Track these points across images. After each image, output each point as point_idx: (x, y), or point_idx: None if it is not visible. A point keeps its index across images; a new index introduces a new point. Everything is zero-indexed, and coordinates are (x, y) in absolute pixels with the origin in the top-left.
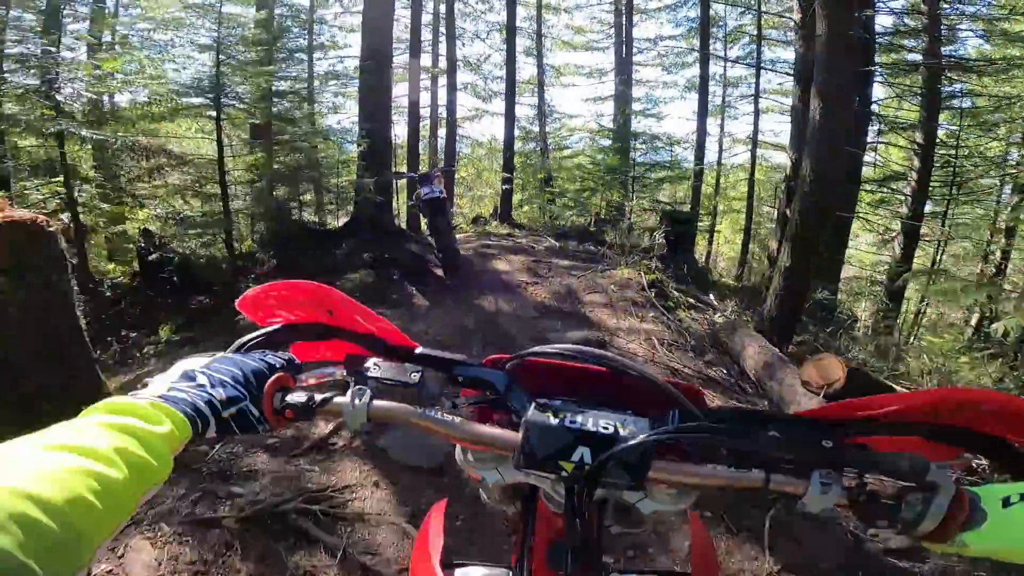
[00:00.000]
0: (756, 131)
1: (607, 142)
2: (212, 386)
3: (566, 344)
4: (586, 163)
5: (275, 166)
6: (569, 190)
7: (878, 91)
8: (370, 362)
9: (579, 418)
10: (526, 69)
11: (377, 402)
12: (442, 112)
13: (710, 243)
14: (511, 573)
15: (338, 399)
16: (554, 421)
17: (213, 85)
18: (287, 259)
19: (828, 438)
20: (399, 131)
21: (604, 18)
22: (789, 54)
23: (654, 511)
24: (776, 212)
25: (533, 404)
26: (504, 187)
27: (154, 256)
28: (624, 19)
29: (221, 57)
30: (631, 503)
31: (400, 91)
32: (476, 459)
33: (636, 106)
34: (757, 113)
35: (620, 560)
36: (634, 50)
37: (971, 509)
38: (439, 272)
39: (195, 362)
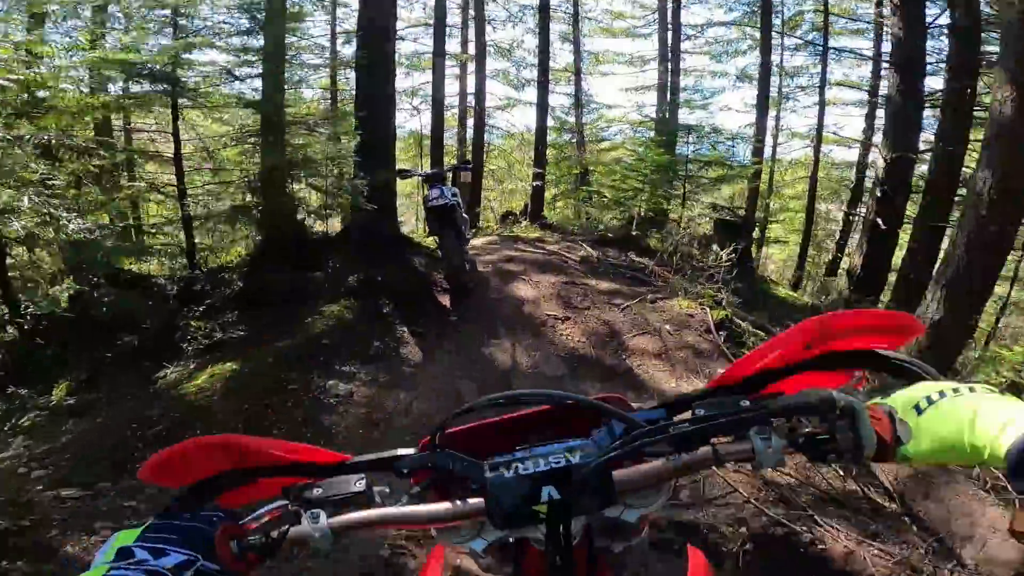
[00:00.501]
0: (821, 125)
1: (651, 134)
2: (156, 557)
3: (479, 399)
4: (628, 158)
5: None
6: (606, 185)
7: None
8: (311, 486)
9: (530, 463)
10: (561, 56)
11: (335, 518)
12: (471, 101)
13: (760, 247)
14: None
15: (296, 528)
16: (509, 474)
17: (169, 66)
18: (254, 283)
19: (742, 399)
20: (424, 120)
21: (647, 2)
22: (859, 42)
23: (639, 517)
24: (843, 212)
25: (486, 467)
26: (535, 184)
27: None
28: (670, 3)
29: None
30: (616, 517)
31: (424, 78)
32: (458, 535)
33: (684, 96)
34: (823, 105)
35: None
36: (682, 36)
37: (891, 423)
38: (445, 299)
39: (127, 536)
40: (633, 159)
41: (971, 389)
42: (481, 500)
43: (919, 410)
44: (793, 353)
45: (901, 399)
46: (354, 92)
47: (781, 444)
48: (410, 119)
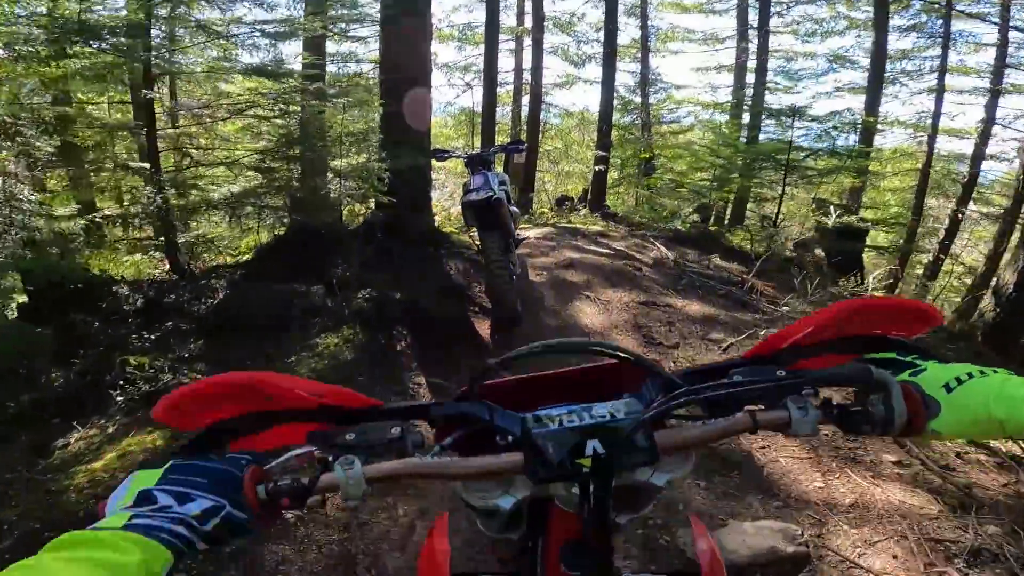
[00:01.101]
0: (938, 113)
1: (725, 118)
2: (180, 503)
3: (519, 348)
4: (699, 142)
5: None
6: (678, 172)
7: None
8: (341, 432)
9: (575, 417)
10: (626, 32)
11: (370, 466)
12: (526, 77)
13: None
14: None
15: (328, 475)
16: (554, 426)
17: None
18: (237, 298)
19: (778, 369)
20: (476, 97)
21: None
22: (975, 26)
23: (667, 481)
24: (951, 210)
25: (526, 419)
26: (597, 168)
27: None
28: None
29: None
30: (644, 480)
31: (477, 52)
32: (483, 491)
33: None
34: (941, 91)
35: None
36: (771, 12)
37: (923, 400)
38: (484, 327)
39: (147, 478)
40: (713, 143)
41: (994, 371)
42: (518, 455)
43: (949, 388)
44: (824, 332)
45: (930, 378)
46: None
47: (817, 414)
48: (461, 95)
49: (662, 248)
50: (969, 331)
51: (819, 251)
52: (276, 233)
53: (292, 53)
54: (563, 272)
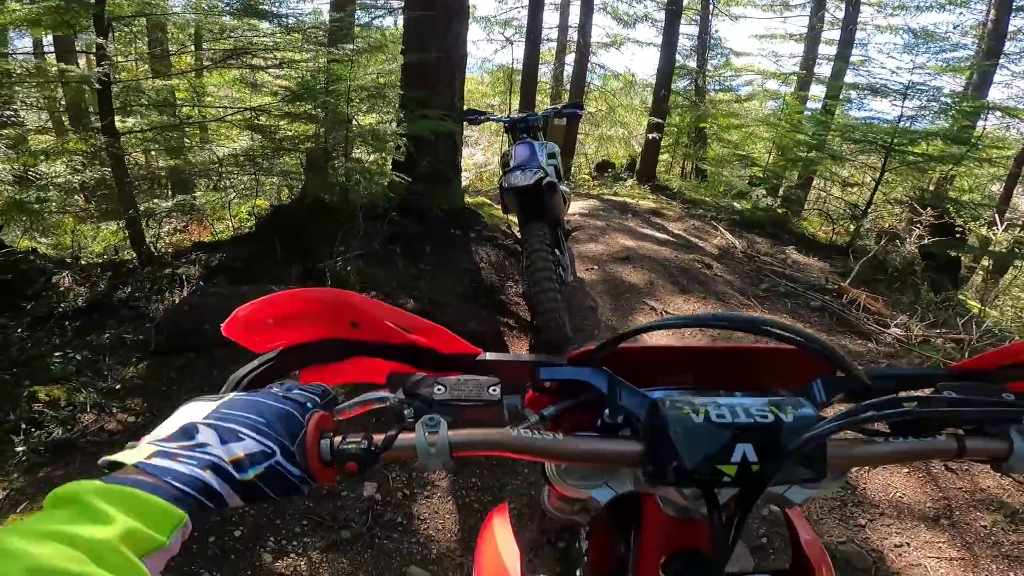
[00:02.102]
0: None
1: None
2: (223, 442)
3: (669, 317)
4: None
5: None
6: (730, 143)
7: None
8: (429, 381)
9: (726, 410)
10: None
11: (456, 432)
12: (571, 35)
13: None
14: None
15: (404, 437)
16: (698, 418)
17: None
18: (197, 299)
19: (1002, 390)
20: (516, 54)
21: None
22: None
23: (807, 498)
24: None
25: (659, 402)
26: (651, 136)
27: None
28: None
29: None
30: (779, 494)
31: (519, 3)
32: (582, 476)
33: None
34: None
35: None
36: None
37: None
38: (519, 349)
39: (198, 410)
40: (791, 117)
41: None
42: (638, 445)
43: None
44: None
45: None
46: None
47: None
48: (500, 51)
49: (727, 234)
50: None
51: (913, 248)
52: (274, 204)
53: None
54: (618, 268)
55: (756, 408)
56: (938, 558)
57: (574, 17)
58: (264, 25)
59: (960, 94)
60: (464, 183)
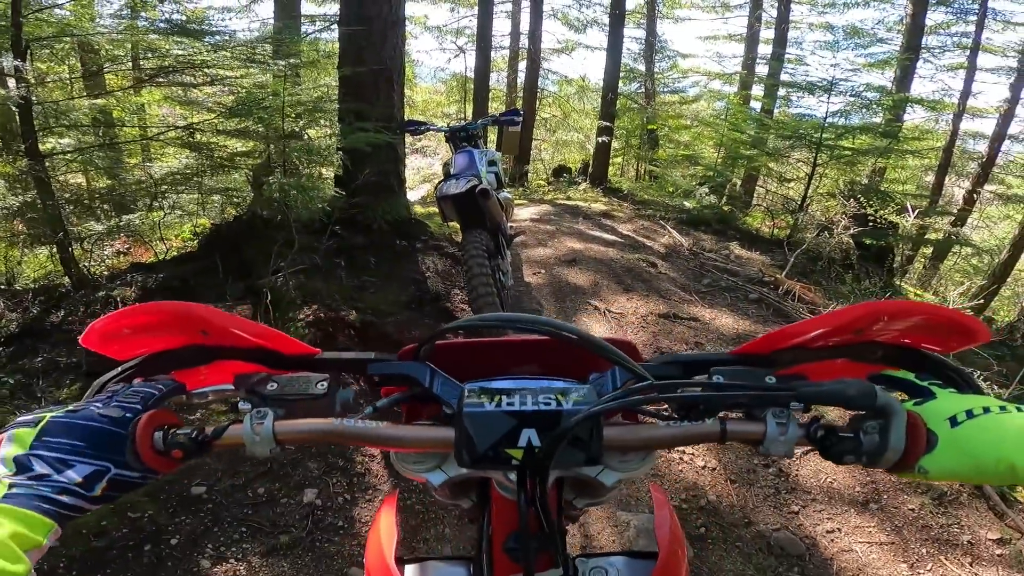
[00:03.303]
0: (966, 94)
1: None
2: (58, 471)
3: (470, 318)
4: (713, 115)
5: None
6: (680, 144)
7: None
8: (264, 379)
9: (516, 398)
10: None
11: (282, 423)
12: (523, 42)
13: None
14: (471, 566)
15: (234, 428)
16: (490, 406)
17: None
18: None
19: (768, 374)
20: (469, 62)
21: None
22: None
23: (617, 480)
24: (965, 190)
25: (464, 391)
26: (600, 139)
27: None
28: None
29: None
30: (591, 476)
31: (471, 12)
32: (415, 461)
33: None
34: (972, 71)
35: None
36: None
37: (925, 433)
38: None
39: (23, 438)
40: (736, 117)
41: (1019, 408)
42: (450, 432)
43: (954, 422)
44: (837, 335)
45: (936, 408)
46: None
47: (797, 433)
48: (453, 60)
49: (675, 233)
50: (1010, 334)
51: (846, 238)
52: (216, 223)
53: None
54: (565, 271)
55: (544, 396)
56: (869, 543)
57: (525, 24)
58: (195, 43)
59: (883, 88)
60: (422, 194)
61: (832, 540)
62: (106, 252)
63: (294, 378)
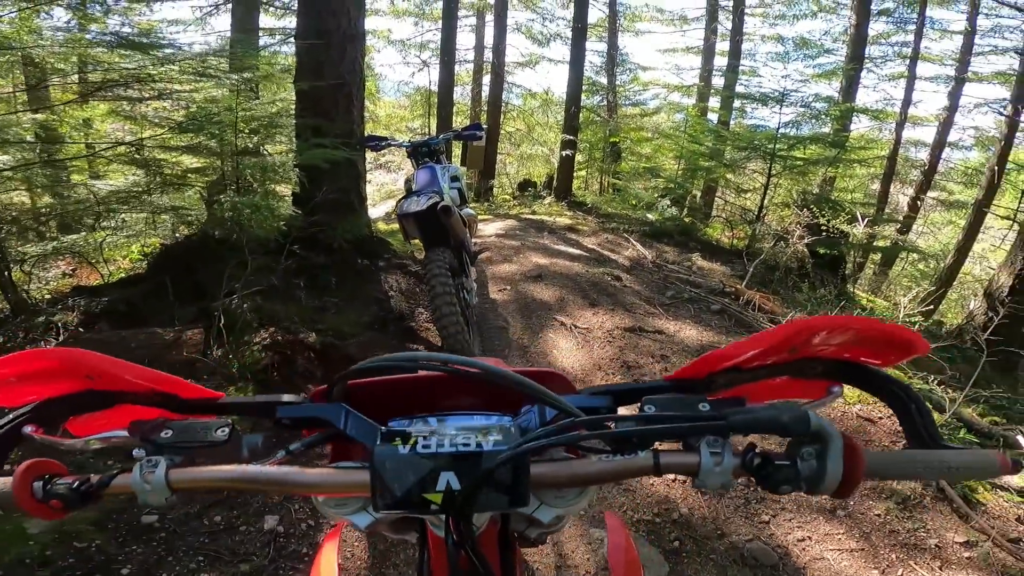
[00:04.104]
0: (907, 103)
1: (692, 101)
2: None
3: (398, 353)
4: (673, 127)
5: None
6: (642, 156)
7: None
8: (159, 425)
9: (433, 440)
10: (595, 9)
11: (178, 470)
12: (488, 56)
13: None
14: None
15: (123, 477)
16: (405, 450)
17: None
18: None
19: (702, 400)
20: (433, 76)
21: None
22: (943, 13)
23: (555, 517)
24: (909, 197)
25: (379, 432)
26: (564, 153)
27: None
28: None
29: None
30: (527, 514)
31: (434, 27)
32: (337, 504)
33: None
34: (912, 80)
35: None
36: None
37: (863, 456)
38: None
39: None
40: (694, 129)
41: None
42: (366, 474)
43: None
44: (773, 355)
45: None
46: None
47: (733, 464)
48: (417, 74)
49: (638, 246)
50: (958, 333)
51: (801, 247)
52: (165, 243)
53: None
54: (530, 287)
55: (461, 437)
56: (839, 550)
57: (489, 38)
58: (143, 56)
59: (830, 99)
60: (386, 210)
61: (804, 549)
62: (50, 274)
63: (191, 424)
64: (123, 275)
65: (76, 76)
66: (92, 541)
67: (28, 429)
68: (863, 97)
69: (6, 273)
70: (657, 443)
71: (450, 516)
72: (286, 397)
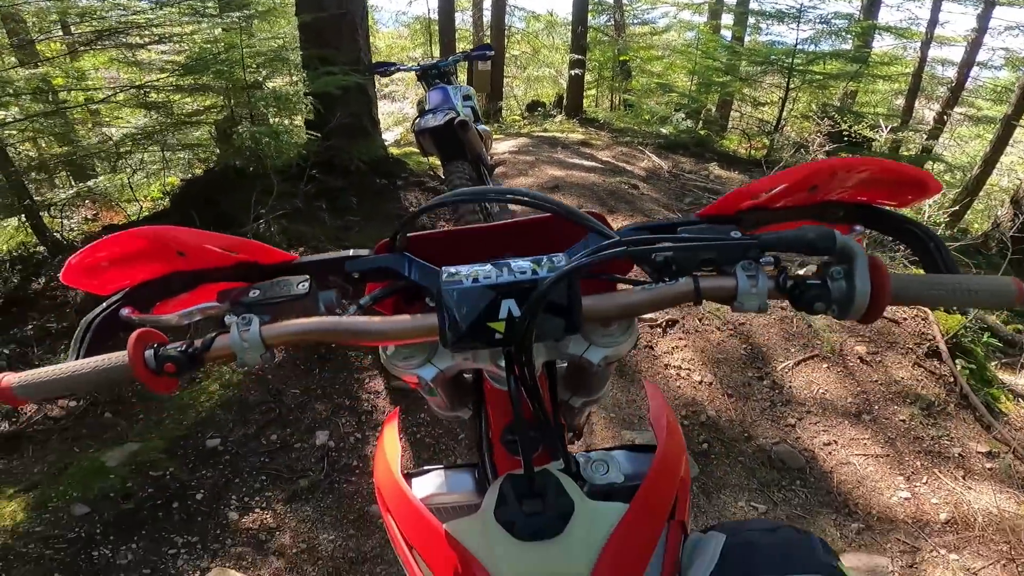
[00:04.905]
0: (934, 23)
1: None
2: None
3: (447, 194)
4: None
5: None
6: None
7: None
8: (245, 290)
9: (493, 272)
10: None
11: (269, 326)
12: None
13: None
14: (475, 471)
15: (221, 338)
16: (468, 283)
17: None
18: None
19: (733, 229)
20: (430, 3)
21: None
22: None
23: (604, 357)
24: (935, 112)
25: (444, 273)
26: (573, 72)
27: None
28: None
29: None
30: (578, 355)
31: None
32: (405, 358)
33: None
34: (939, 2)
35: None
36: None
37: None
38: None
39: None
40: (708, 46)
41: None
42: (434, 317)
43: None
44: (794, 194)
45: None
46: None
47: (768, 285)
48: (415, 2)
49: (654, 157)
50: (984, 243)
51: (822, 155)
52: (185, 178)
53: None
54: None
55: (519, 266)
56: (865, 455)
57: None
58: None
59: (850, 16)
60: (396, 136)
61: (830, 453)
62: (72, 221)
63: (275, 282)
64: (147, 213)
65: (73, 28)
66: (166, 469)
67: (124, 312)
68: (886, 16)
69: (39, 216)
70: (696, 272)
71: (511, 348)
72: (353, 252)
